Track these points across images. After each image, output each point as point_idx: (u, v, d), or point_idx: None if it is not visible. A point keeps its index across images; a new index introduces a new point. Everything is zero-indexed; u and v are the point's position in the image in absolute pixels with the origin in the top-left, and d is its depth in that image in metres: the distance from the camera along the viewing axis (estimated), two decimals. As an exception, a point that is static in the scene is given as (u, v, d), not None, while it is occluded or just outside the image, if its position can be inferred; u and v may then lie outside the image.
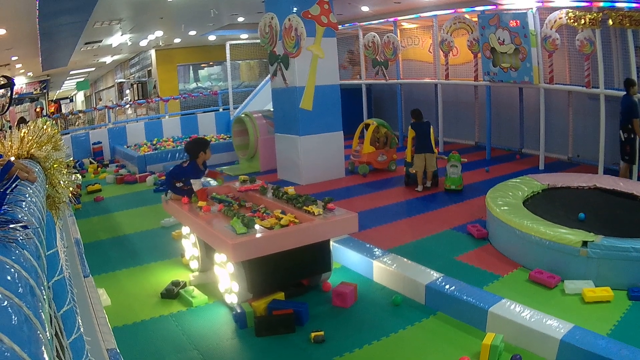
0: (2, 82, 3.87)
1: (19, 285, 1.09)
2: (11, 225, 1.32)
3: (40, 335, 0.99)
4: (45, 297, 1.25)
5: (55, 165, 3.05)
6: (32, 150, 2.95)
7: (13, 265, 1.15)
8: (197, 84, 33.15)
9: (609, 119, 13.56)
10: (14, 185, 1.75)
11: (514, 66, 15.26)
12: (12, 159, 2.71)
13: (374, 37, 20.67)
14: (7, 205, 1.56)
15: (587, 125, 15.71)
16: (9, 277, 1.10)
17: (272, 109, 16.68)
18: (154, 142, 22.35)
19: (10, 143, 2.96)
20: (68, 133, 23.01)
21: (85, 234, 10.79)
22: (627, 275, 7.32)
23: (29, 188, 1.98)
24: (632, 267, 7.26)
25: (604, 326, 6.38)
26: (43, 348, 0.96)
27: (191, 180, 8.95)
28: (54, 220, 2.70)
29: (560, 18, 14.28)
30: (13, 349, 0.87)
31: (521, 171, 13.89)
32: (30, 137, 3.05)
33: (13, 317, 0.95)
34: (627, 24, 12.64)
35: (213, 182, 11.01)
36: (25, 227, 1.37)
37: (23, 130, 3.16)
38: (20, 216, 1.51)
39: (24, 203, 1.69)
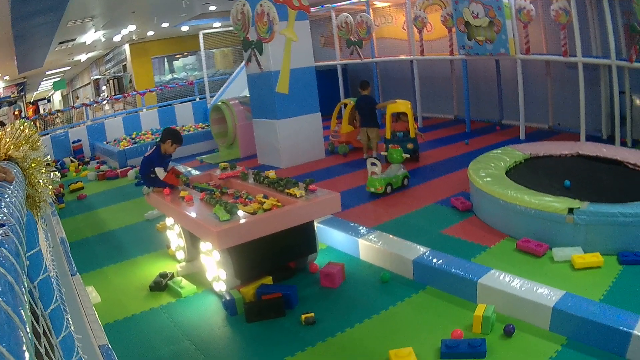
0: None
1: None
2: None
3: (21, 332, 0.99)
4: (25, 294, 1.25)
5: (33, 165, 3.04)
6: (10, 152, 2.95)
7: None
8: (172, 75, 33.04)
9: (588, 86, 13.62)
10: None
11: (489, 39, 15.24)
12: None
13: (347, 17, 20.63)
14: None
15: (566, 93, 15.78)
16: None
17: (248, 95, 16.64)
18: (133, 136, 22.31)
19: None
20: (47, 134, 22.90)
21: (70, 232, 10.76)
22: (616, 240, 7.34)
23: (7, 188, 1.98)
24: (621, 232, 7.28)
25: (596, 292, 6.40)
26: (24, 347, 0.97)
27: (155, 169, 8.99)
28: (35, 220, 2.70)
29: (534, -12, 14.28)
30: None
31: (502, 142, 13.99)
32: (7, 139, 3.04)
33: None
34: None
35: (194, 172, 11.02)
36: (1, 225, 1.37)
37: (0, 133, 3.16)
38: (2, 217, 1.52)
39: (2, 203, 1.69)
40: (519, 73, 15.14)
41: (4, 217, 1.53)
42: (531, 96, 16.27)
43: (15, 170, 2.62)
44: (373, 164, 10.93)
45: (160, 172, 8.97)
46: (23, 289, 1.23)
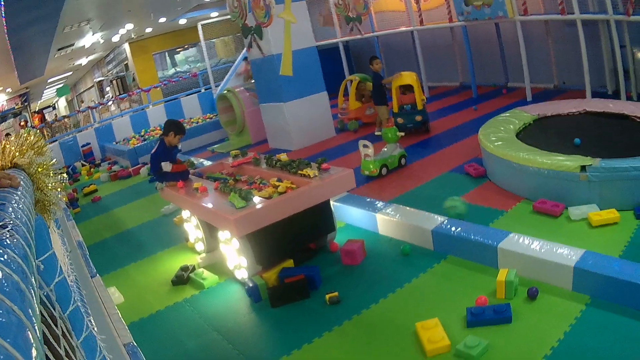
0: None
1: (5, 284, 1.08)
2: None
3: (29, 333, 0.98)
4: (34, 295, 1.23)
5: (40, 170, 3.04)
6: (15, 159, 2.94)
7: None
8: (175, 69, 33.02)
9: (589, 43, 13.50)
10: None
11: (487, 3, 15.13)
12: None
13: (343, -6, 20.49)
14: None
15: (568, 51, 15.70)
16: None
17: (253, 81, 16.60)
18: (142, 133, 22.34)
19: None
20: (55, 140, 22.95)
21: (88, 235, 10.81)
22: (631, 195, 7.34)
23: (13, 194, 1.96)
24: (635, 186, 7.28)
25: (615, 248, 6.40)
26: (33, 348, 0.95)
27: (162, 164, 8.99)
28: (46, 224, 2.68)
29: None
30: (2, 345, 0.85)
31: (509, 105, 13.88)
32: (12, 147, 3.04)
33: (0, 315, 0.94)
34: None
35: (206, 162, 11.01)
36: (4, 226, 1.35)
37: (4, 142, 3.16)
38: (4, 219, 1.50)
39: (10, 208, 1.68)
40: (519, 35, 15.01)
41: (9, 220, 1.51)
42: (534, 57, 16.17)
43: (21, 177, 2.61)
44: (365, 145, 10.67)
45: (166, 166, 8.96)
46: (32, 290, 1.21)
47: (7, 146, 3.04)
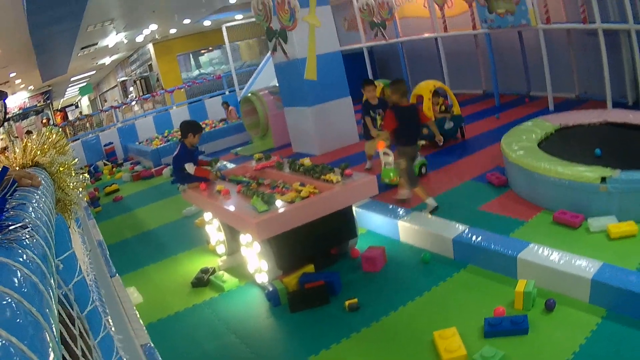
0: None
1: (24, 285, 1.07)
2: (11, 227, 1.30)
3: (47, 334, 0.97)
4: (53, 296, 1.22)
5: (61, 169, 3.04)
6: (36, 157, 2.95)
7: (15, 265, 1.13)
8: (199, 71, 33.06)
9: (610, 52, 13.44)
10: (12, 190, 1.72)
11: (510, 10, 15.07)
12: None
13: (368, -1, 20.54)
14: (11, 211, 1.54)
15: (589, 61, 15.60)
16: (13, 278, 1.08)
17: (277, 84, 16.64)
18: (165, 134, 22.43)
19: (14, 155, 2.96)
20: (78, 139, 23.06)
21: (109, 234, 10.85)
22: (650, 206, 7.29)
23: (34, 193, 1.96)
24: (654, 198, 7.22)
25: (634, 261, 6.34)
26: (50, 349, 0.94)
27: (185, 166, 9.06)
28: (66, 223, 2.68)
29: (549, -44, 14.16)
30: (19, 347, 0.85)
31: (532, 114, 13.80)
32: (34, 146, 3.04)
33: (18, 316, 0.93)
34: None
35: (230, 165, 11.04)
36: (24, 226, 1.34)
37: (25, 140, 3.16)
38: (24, 219, 1.49)
39: (30, 208, 1.67)
40: (542, 43, 14.95)
41: (29, 221, 1.50)
42: (556, 66, 16.11)
43: (43, 176, 2.61)
44: (385, 153, 10.51)
45: (190, 168, 9.03)
46: (50, 291, 1.20)
47: (29, 144, 3.04)
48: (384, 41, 20.87)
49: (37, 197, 1.94)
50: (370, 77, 21.37)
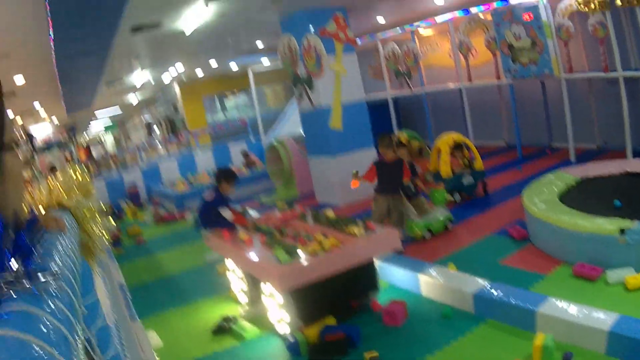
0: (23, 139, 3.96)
1: (52, 335, 1.15)
2: (39, 274, 1.38)
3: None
4: (79, 345, 1.31)
5: (87, 214, 3.12)
6: (62, 200, 3.03)
7: (44, 315, 1.21)
8: (224, 114, 33.18)
9: (630, 101, 13.57)
10: (39, 236, 1.80)
11: (533, 60, 15.24)
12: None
13: (394, 47, 20.77)
14: (38, 257, 1.62)
15: (609, 110, 15.66)
16: (42, 328, 1.16)
17: (302, 132, 16.76)
18: (189, 178, 22.56)
19: (39, 194, 3.05)
20: (102, 177, 23.22)
21: (130, 277, 10.92)
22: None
23: (60, 238, 2.04)
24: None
25: (650, 312, 6.37)
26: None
27: (221, 210, 9.18)
28: (90, 269, 2.77)
29: (570, 5, 14.26)
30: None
31: (553, 166, 13.94)
32: (59, 187, 3.13)
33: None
34: (635, 2, 12.53)
35: (253, 212, 11.14)
36: (52, 274, 1.42)
37: (51, 182, 3.25)
38: (51, 266, 1.57)
39: (56, 255, 1.75)
40: (564, 93, 15.10)
41: (56, 268, 1.58)
42: (577, 116, 16.12)
43: (67, 219, 2.69)
44: (408, 207, 10.65)
45: (226, 213, 9.15)
46: (77, 340, 1.29)
47: (53, 186, 3.13)
48: (409, 90, 20.99)
49: (64, 242, 2.02)
50: (395, 127, 21.53)
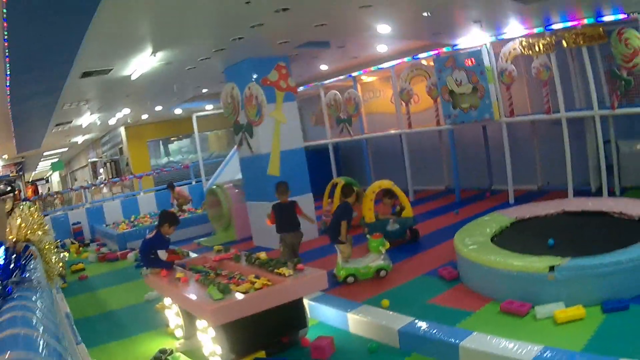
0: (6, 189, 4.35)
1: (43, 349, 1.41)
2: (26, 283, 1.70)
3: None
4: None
5: (47, 247, 3.51)
6: (28, 235, 3.42)
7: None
8: (168, 159, 33.20)
9: (574, 140, 14.09)
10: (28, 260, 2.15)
11: (474, 105, 15.63)
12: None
13: (335, 94, 21.11)
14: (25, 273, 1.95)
15: (553, 151, 16.11)
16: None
17: (242, 178, 17.00)
18: (132, 219, 22.75)
19: (8, 229, 3.44)
20: (47, 215, 23.24)
21: (72, 311, 11.02)
22: (599, 290, 7.66)
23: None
24: (603, 282, 7.61)
25: (578, 342, 6.63)
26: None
27: (157, 252, 9.60)
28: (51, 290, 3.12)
29: (514, 49, 14.70)
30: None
31: (490, 209, 14.36)
32: (24, 224, 3.52)
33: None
34: (582, 42, 12.99)
35: (192, 254, 11.44)
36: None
37: (18, 219, 3.63)
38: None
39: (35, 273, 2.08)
40: (504, 137, 15.50)
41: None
42: (519, 158, 16.61)
43: (34, 250, 3.09)
44: (341, 251, 11.00)
45: (162, 254, 9.61)
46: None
47: (22, 224, 3.52)
48: (349, 137, 21.30)
49: (36, 266, 2.36)
50: (334, 173, 21.76)
